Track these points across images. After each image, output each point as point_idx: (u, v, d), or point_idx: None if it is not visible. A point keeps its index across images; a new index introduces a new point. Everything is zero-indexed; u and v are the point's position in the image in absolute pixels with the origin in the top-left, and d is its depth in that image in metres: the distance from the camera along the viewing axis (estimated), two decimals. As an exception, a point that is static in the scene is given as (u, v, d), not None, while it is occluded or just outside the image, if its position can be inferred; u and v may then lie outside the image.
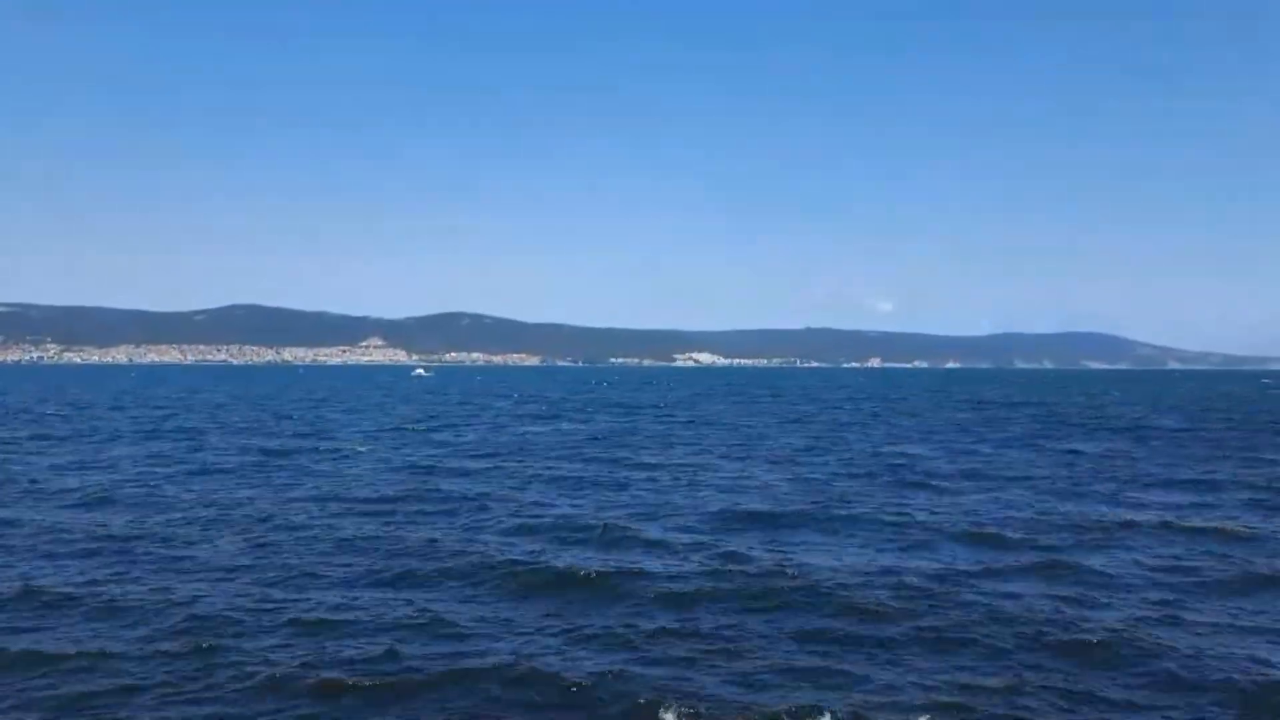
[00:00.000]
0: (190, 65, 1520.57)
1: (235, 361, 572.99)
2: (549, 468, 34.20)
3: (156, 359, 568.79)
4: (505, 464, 35.21)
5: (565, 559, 18.39)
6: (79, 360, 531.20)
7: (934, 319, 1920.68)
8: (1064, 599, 15.72)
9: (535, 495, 27.30)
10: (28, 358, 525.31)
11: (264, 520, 22.56)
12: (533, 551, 19.23)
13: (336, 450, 40.02)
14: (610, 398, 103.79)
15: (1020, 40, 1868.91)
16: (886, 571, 17.58)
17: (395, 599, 15.62)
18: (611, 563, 18.06)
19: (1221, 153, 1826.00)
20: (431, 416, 66.42)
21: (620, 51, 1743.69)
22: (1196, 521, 23.04)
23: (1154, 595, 16.21)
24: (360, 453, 38.98)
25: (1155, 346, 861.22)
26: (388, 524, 22.30)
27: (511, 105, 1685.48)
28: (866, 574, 17.36)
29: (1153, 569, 18.10)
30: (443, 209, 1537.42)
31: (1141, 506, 25.64)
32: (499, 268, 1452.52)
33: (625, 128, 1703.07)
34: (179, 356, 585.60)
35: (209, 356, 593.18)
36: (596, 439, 47.31)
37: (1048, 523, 22.87)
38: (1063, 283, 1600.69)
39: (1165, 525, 22.53)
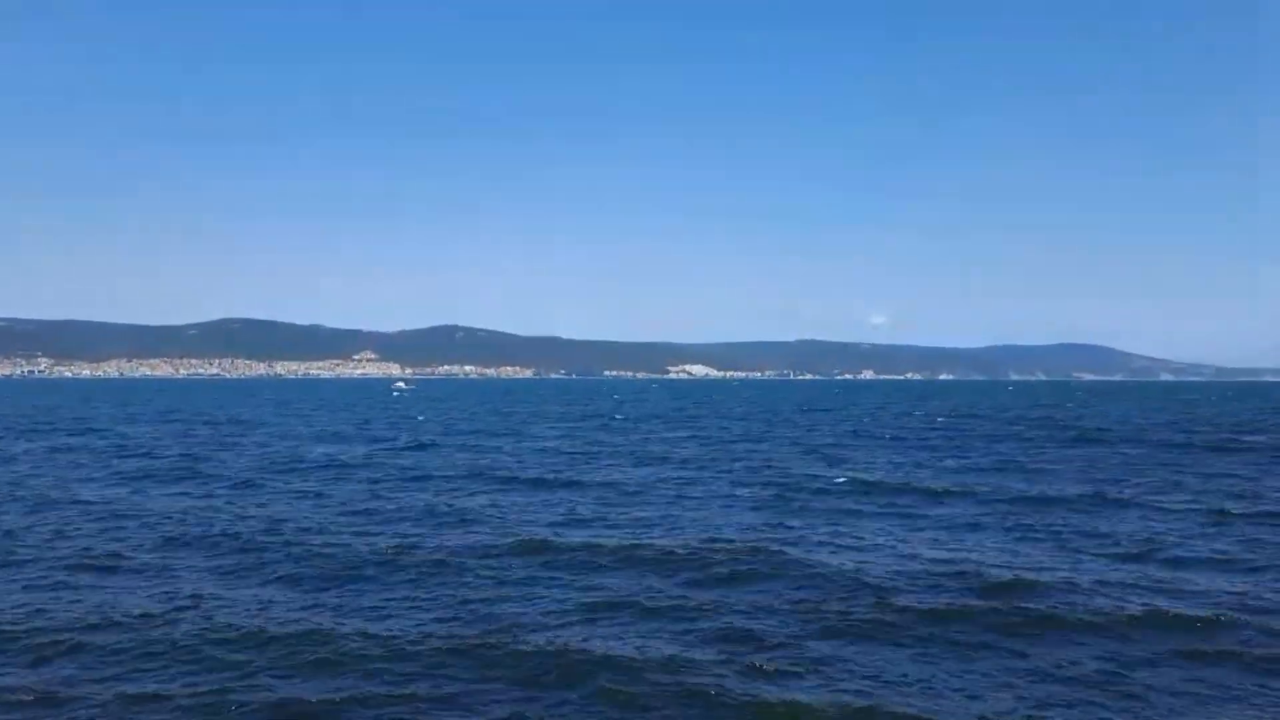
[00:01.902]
0: (182, 78, 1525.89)
1: (227, 375, 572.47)
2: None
3: (149, 373, 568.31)
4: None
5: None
6: (70, 374, 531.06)
7: (927, 331, 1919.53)
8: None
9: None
10: (18, 372, 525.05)
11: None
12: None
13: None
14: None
15: (1016, 54, 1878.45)
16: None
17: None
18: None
19: (1216, 166, 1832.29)
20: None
21: (613, 65, 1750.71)
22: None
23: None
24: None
25: (1148, 358, 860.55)
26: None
27: (503, 119, 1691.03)
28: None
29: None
30: (436, 222, 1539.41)
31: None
32: (492, 281, 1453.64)
33: (618, 141, 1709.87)
34: (171, 370, 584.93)
35: (201, 370, 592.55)
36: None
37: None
38: (1056, 295, 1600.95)
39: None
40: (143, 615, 14.82)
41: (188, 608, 15.41)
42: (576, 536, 21.74)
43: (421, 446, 49.37)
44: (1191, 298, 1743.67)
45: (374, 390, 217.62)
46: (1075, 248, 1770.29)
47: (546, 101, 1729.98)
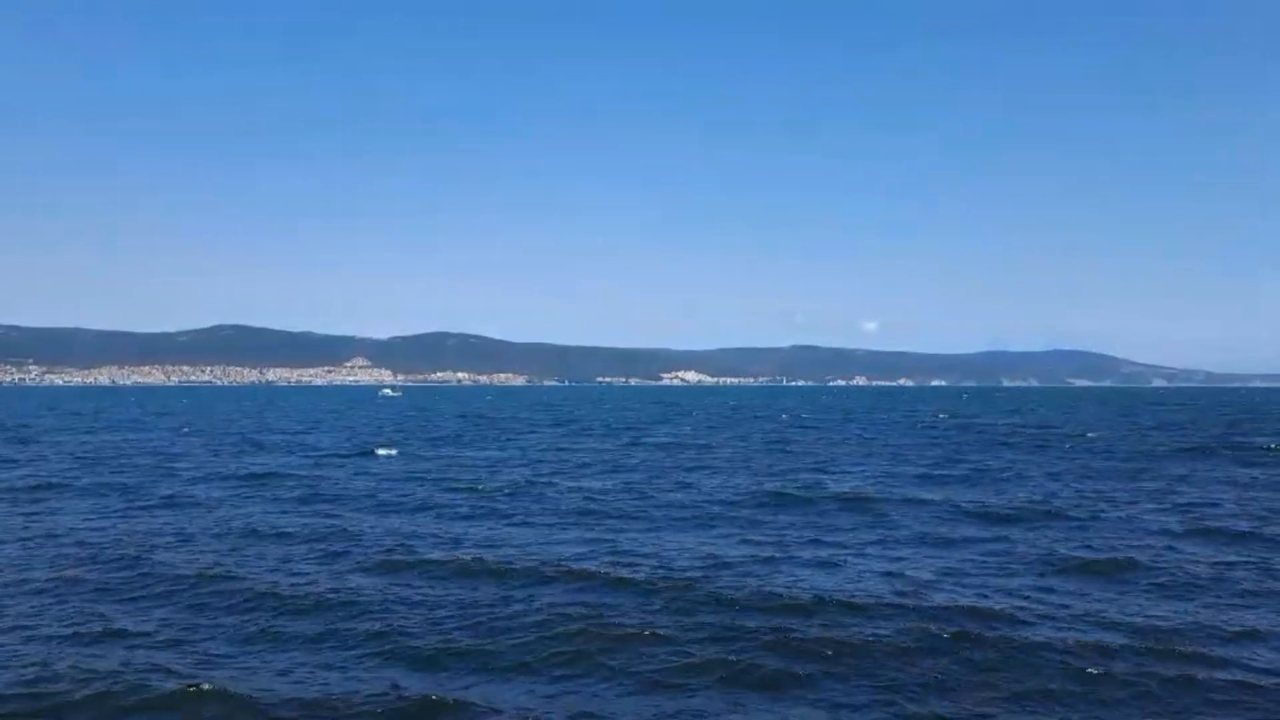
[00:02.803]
0: (172, 82, 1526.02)
1: (219, 382, 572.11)
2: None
3: (140, 380, 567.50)
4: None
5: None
6: (61, 382, 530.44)
7: (921, 338, 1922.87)
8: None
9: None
10: (9, 379, 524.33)
11: None
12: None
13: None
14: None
15: (1007, 60, 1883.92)
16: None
17: None
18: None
19: (1210, 172, 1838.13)
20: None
21: (605, 66, 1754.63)
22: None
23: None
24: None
25: (1140, 364, 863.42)
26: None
27: (495, 122, 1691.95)
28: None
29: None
30: (429, 228, 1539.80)
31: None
32: (485, 288, 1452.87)
33: (609, 145, 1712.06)
34: (162, 378, 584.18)
35: (193, 377, 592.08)
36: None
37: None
38: (1050, 302, 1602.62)
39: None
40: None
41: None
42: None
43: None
44: (1184, 304, 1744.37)
45: (361, 397, 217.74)
46: (1069, 254, 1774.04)
47: (539, 104, 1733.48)
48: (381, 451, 48.88)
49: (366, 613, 15.60)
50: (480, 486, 33.03)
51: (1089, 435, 63.45)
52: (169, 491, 31.69)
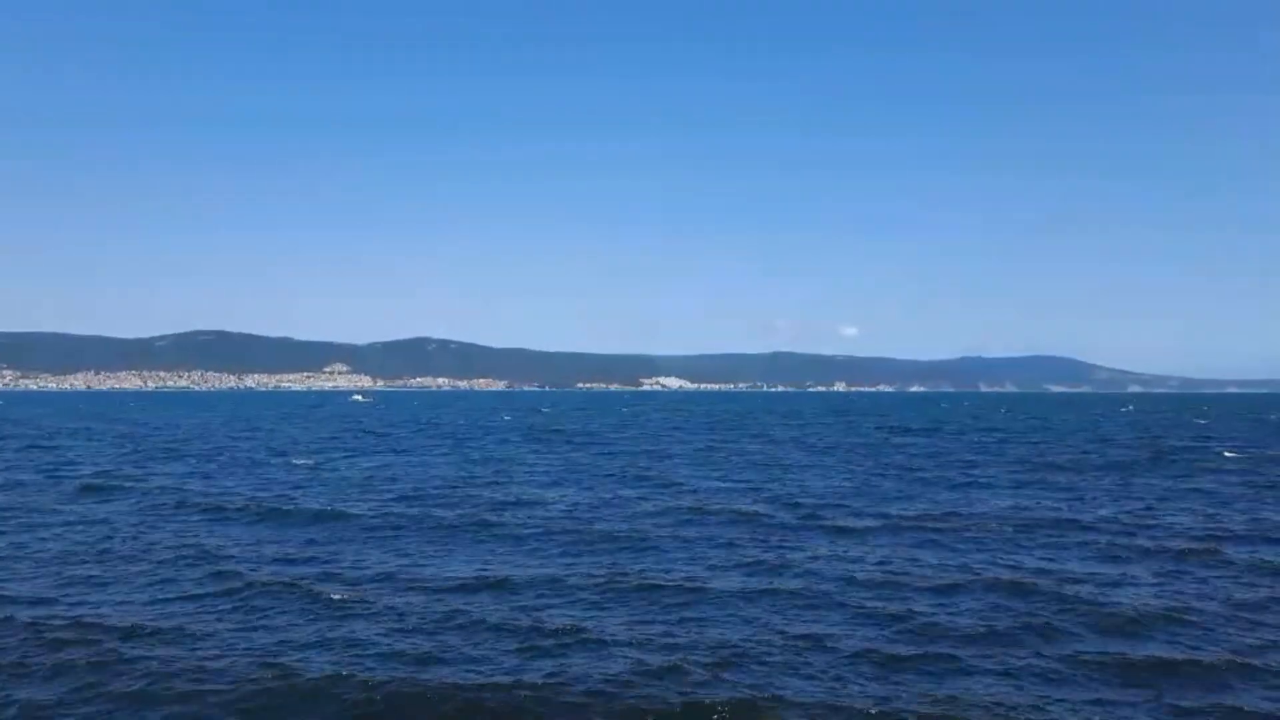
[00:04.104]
0: (151, 91, 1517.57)
1: (197, 388, 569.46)
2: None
3: (116, 386, 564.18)
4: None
5: None
6: (35, 388, 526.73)
7: (899, 344, 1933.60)
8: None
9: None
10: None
11: None
12: None
13: None
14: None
15: (987, 64, 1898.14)
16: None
17: None
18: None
19: (1184, 179, 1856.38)
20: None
21: (588, 73, 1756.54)
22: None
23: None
24: None
25: (1116, 370, 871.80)
26: None
27: (475, 128, 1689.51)
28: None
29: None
30: (407, 235, 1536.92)
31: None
32: (465, 293, 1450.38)
33: (592, 152, 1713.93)
34: (139, 383, 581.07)
35: (170, 383, 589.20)
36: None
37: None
38: (1027, 308, 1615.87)
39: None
40: None
41: None
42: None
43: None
44: (1161, 310, 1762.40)
45: (331, 403, 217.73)
46: (1046, 261, 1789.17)
47: (519, 110, 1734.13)
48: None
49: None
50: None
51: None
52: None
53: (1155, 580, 19.67)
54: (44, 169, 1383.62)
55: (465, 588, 18.72)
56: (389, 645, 14.65)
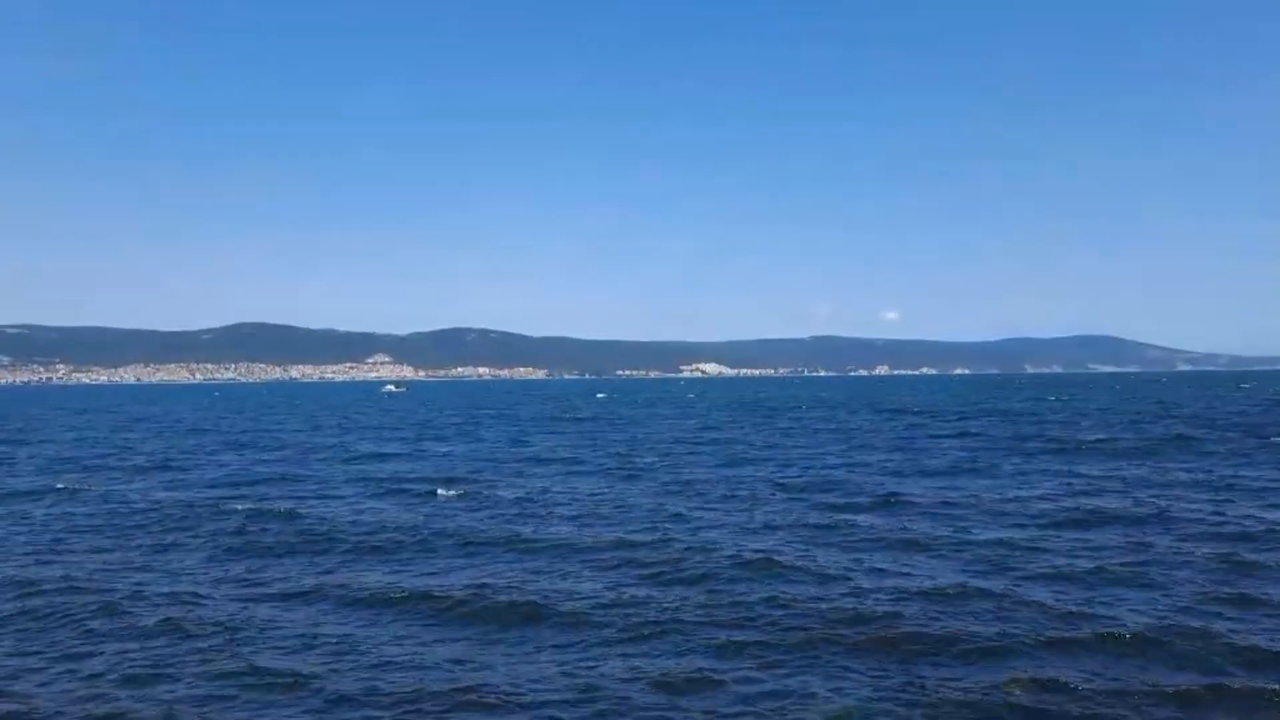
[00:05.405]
0: (199, 86, 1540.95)
1: (243, 379, 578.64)
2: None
3: (165, 378, 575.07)
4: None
5: None
6: (88, 380, 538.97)
7: (943, 326, 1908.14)
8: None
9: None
10: (36, 379, 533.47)
11: None
12: None
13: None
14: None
15: (1025, 42, 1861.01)
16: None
17: None
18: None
19: (1231, 155, 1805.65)
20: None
21: (625, 63, 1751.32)
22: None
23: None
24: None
25: (1164, 348, 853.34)
26: None
27: (513, 118, 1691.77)
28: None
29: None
30: (448, 224, 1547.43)
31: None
32: (504, 282, 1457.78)
33: (628, 140, 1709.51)
34: (187, 375, 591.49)
35: (217, 375, 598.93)
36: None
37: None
38: (1072, 287, 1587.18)
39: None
40: None
41: None
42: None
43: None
44: (1208, 287, 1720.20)
45: (362, 393, 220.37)
46: (1091, 238, 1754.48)
47: (558, 100, 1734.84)
48: None
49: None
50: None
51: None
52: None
53: None
54: (95, 168, 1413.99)
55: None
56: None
